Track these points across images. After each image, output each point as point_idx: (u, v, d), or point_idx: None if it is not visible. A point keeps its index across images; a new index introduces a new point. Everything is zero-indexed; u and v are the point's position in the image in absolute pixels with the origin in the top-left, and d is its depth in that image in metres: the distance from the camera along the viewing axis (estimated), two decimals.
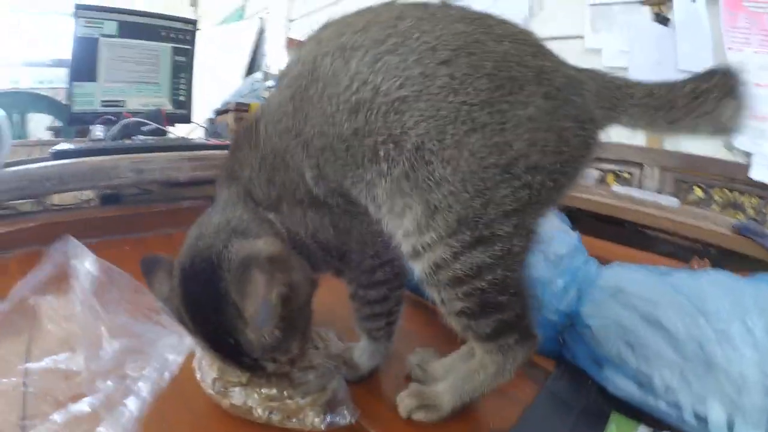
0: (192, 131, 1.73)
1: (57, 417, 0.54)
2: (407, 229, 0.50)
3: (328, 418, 0.56)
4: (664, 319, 0.63)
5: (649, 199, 1.26)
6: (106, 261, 0.76)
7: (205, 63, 1.93)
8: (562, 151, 0.49)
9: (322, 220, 0.54)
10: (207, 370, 0.60)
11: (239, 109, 1.84)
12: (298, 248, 0.54)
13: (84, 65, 1.47)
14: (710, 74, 0.53)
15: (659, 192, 1.38)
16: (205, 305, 0.49)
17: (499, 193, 0.47)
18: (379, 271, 0.59)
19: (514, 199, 0.48)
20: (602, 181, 1.49)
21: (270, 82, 2.43)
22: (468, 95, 0.46)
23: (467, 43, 0.47)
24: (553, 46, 0.53)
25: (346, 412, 0.57)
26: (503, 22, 0.51)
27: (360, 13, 0.53)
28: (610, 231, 1.18)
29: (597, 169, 1.53)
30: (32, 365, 0.62)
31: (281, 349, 0.50)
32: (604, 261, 0.88)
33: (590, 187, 1.37)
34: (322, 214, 0.54)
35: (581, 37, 1.54)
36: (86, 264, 0.75)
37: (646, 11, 1.42)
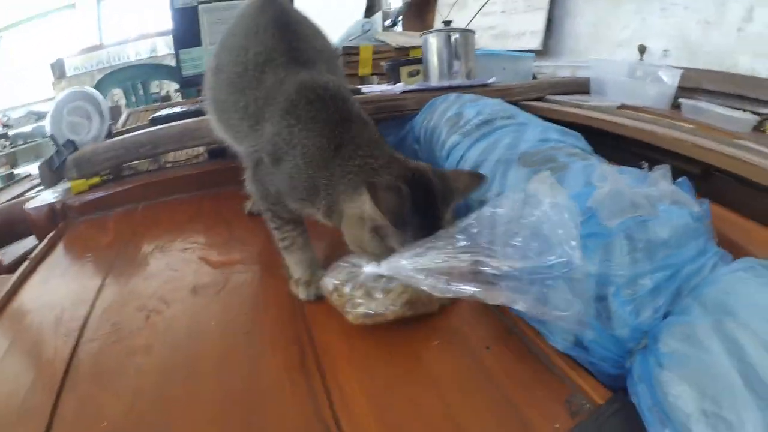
0: None
1: None
2: None
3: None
4: None
5: None
6: None
7: (317, 7, 1.92)
8: None
9: None
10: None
11: (348, 52, 1.80)
12: None
13: (186, 33, 1.54)
14: None
15: None
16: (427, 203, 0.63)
17: None
18: None
19: None
20: (758, 129, 1.13)
21: (389, 21, 2.33)
22: None
23: None
24: None
25: None
26: None
27: None
28: (760, 203, 0.83)
29: (751, 111, 1.17)
30: None
31: None
32: (739, 250, 0.65)
33: (737, 137, 1.04)
34: None
35: None
36: None
37: None
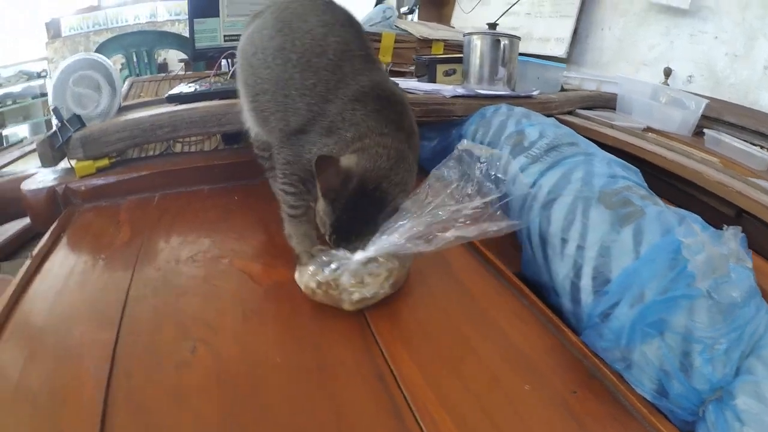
0: None
1: None
2: None
3: None
4: None
5: None
6: None
7: None
8: None
9: None
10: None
11: (369, 38, 1.73)
12: None
13: (204, 2, 1.42)
14: None
15: None
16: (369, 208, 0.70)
17: None
18: None
19: None
20: None
21: (405, 8, 2.23)
22: None
23: None
24: None
25: None
26: None
27: None
28: None
29: None
30: None
31: None
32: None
33: (760, 176, 1.09)
34: None
35: None
36: None
37: None
